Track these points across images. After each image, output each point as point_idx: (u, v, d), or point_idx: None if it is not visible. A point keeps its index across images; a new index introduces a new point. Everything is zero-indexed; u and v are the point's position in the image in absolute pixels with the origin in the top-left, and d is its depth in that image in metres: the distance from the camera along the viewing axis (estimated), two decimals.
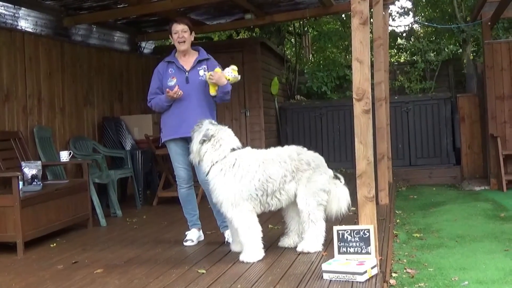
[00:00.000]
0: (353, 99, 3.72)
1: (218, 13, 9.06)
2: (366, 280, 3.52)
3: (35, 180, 5.56)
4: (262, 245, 4.28)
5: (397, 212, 7.35)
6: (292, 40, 13.89)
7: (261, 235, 4.28)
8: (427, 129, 10.57)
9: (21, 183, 5.24)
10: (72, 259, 4.70)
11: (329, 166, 4.64)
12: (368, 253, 3.70)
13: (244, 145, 4.54)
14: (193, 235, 5.08)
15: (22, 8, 6.95)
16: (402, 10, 13.73)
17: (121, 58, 9.09)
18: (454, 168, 10.29)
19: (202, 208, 5.41)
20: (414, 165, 10.56)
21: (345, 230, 3.80)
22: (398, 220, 6.91)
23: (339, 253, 3.81)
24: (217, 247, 4.84)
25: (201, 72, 4.90)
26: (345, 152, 10.67)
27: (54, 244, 5.40)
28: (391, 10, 12.41)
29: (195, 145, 4.39)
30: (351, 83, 3.94)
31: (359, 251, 3.73)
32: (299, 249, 4.41)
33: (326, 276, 3.63)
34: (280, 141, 10.89)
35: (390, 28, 10.65)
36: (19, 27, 6.85)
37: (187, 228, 5.16)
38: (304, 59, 13.52)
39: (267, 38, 11.71)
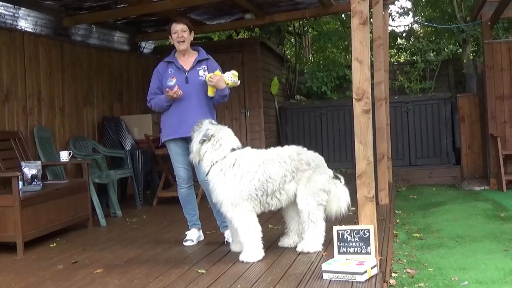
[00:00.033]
0: (353, 99, 3.72)
1: (218, 13, 9.06)
2: (366, 280, 3.52)
3: (35, 180, 5.56)
4: (262, 245, 4.28)
5: (397, 212, 7.35)
6: (292, 40, 13.89)
7: (261, 235, 4.28)
8: (427, 129, 10.57)
9: (21, 183, 5.24)
10: (72, 259, 4.70)
11: (329, 166, 4.64)
12: (368, 253, 3.70)
13: (244, 145, 4.54)
14: (193, 235, 5.08)
15: (22, 8, 6.95)
16: (402, 10, 13.74)
17: (121, 58, 9.09)
18: (454, 168, 10.29)
19: (202, 208, 5.41)
20: (414, 165, 10.56)
21: (345, 230, 3.80)
22: (398, 220, 6.91)
23: (339, 253, 3.81)
24: (217, 247, 4.84)
25: (201, 72, 4.90)
26: (345, 152, 10.67)
27: (54, 244, 5.40)
28: (391, 10, 12.43)
29: (195, 145, 4.39)
30: (351, 83, 3.94)
31: (359, 251, 3.73)
32: (299, 249, 4.41)
33: (326, 276, 3.63)
34: (280, 141, 10.89)
35: (390, 28, 10.65)
36: (19, 27, 6.85)
37: (187, 228, 5.16)
38: (304, 59, 13.52)
39: (267, 38, 11.71)
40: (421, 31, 14.03)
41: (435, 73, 11.59)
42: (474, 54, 12.08)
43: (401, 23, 24.97)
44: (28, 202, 5.15)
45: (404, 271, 4.65)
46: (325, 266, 3.68)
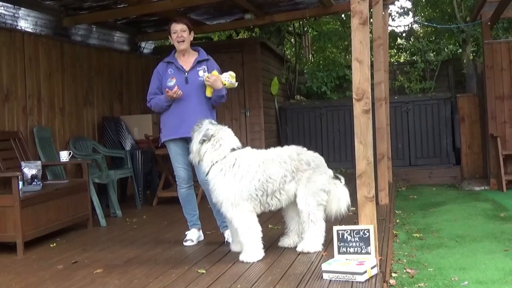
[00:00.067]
0: (353, 99, 3.72)
1: (218, 13, 9.06)
2: (366, 280, 3.52)
3: (35, 180, 5.56)
4: (262, 245, 4.28)
5: (397, 212, 7.35)
6: (292, 40, 13.89)
7: (261, 235, 4.28)
8: (427, 129, 10.57)
9: (21, 183, 5.24)
10: (72, 259, 4.70)
11: (329, 166, 4.64)
12: (368, 253, 3.70)
13: (244, 145, 4.54)
14: (193, 235, 5.08)
15: (22, 8, 6.95)
16: (402, 10, 13.74)
17: (121, 58, 9.09)
18: (454, 168, 10.30)
19: (202, 208, 5.41)
20: (414, 165, 10.56)
21: (345, 230, 3.80)
22: (398, 220, 6.91)
23: (339, 253, 3.81)
24: (217, 247, 4.84)
25: (201, 73, 4.90)
26: (345, 152, 10.67)
27: (54, 244, 5.40)
28: (390, 10, 12.43)
29: (195, 145, 4.40)
30: (351, 83, 3.94)
31: (359, 251, 3.73)
32: (299, 249, 4.41)
33: (326, 276, 3.63)
34: (280, 141, 10.90)
35: (390, 28, 10.66)
36: (18, 27, 6.85)
37: (187, 228, 5.16)
38: (304, 59, 13.52)
39: (267, 38, 11.71)
40: (421, 31, 14.03)
41: (435, 73, 11.59)
42: (474, 54, 12.08)
43: (401, 23, 24.98)
44: (28, 202, 5.15)
45: (404, 271, 4.65)
46: (325, 266, 3.68)
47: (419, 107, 10.63)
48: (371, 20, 6.72)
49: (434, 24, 12.03)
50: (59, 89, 7.34)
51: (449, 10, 12.69)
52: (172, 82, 4.87)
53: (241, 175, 4.23)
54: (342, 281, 3.53)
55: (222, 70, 4.97)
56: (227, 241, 4.86)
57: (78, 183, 6.20)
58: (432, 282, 4.31)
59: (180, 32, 4.91)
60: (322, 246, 4.40)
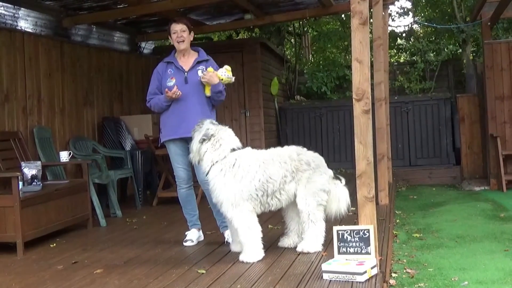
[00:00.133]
0: (353, 100, 3.72)
1: (218, 13, 9.06)
2: (366, 280, 3.52)
3: (35, 180, 5.56)
4: (262, 245, 4.28)
5: (397, 212, 7.35)
6: (292, 40, 13.89)
7: (261, 235, 4.28)
8: (427, 129, 10.57)
9: (21, 183, 5.24)
10: (72, 259, 4.70)
11: (329, 167, 4.64)
12: (368, 253, 3.70)
13: (244, 145, 4.54)
14: (193, 235, 5.08)
15: (22, 8, 6.95)
16: (402, 10, 13.74)
17: (121, 58, 9.09)
18: (454, 168, 10.30)
19: (202, 209, 5.41)
20: (414, 165, 10.56)
21: (345, 230, 3.80)
22: (398, 220, 6.91)
23: (339, 253, 3.81)
24: (217, 247, 4.84)
25: (200, 73, 4.90)
26: (345, 152, 10.67)
27: (54, 244, 5.40)
28: (390, 10, 12.43)
29: (195, 145, 4.40)
30: (351, 83, 3.94)
31: (359, 251, 3.73)
32: (299, 249, 4.41)
33: (326, 276, 3.63)
34: (280, 142, 10.90)
35: (389, 28, 10.66)
36: (18, 27, 6.85)
37: (187, 228, 5.16)
38: (304, 59, 13.52)
39: (267, 38, 11.72)
40: (421, 31, 14.04)
41: (435, 74, 11.60)
42: (474, 54, 12.08)
43: (401, 23, 25.00)
44: (28, 202, 5.15)
45: (404, 271, 4.65)
46: (325, 266, 3.68)
47: (419, 107, 10.63)
48: (371, 20, 6.72)
49: (434, 24, 12.03)
50: (59, 89, 7.34)
51: (449, 10, 12.69)
52: (171, 82, 4.87)
53: (241, 175, 4.22)
54: (342, 281, 3.53)
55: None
56: (227, 241, 4.86)
57: (78, 183, 6.20)
58: (432, 282, 4.31)
59: (180, 32, 4.91)
60: (322, 246, 4.40)
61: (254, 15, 9.01)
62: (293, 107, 11.26)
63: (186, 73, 4.91)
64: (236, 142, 4.42)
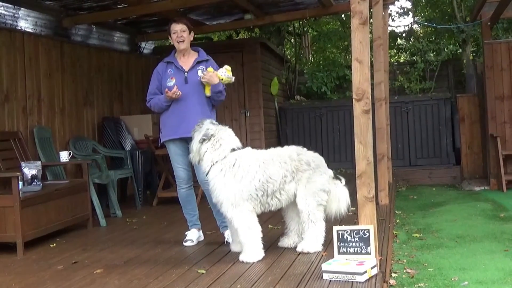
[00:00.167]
0: (353, 99, 3.72)
1: (218, 13, 9.06)
2: (366, 280, 3.52)
3: (35, 180, 5.56)
4: (262, 245, 4.28)
5: (397, 212, 7.35)
6: (292, 40, 13.90)
7: (261, 235, 4.28)
8: (427, 129, 10.57)
9: (21, 183, 5.24)
10: (72, 259, 4.70)
11: (329, 167, 4.64)
12: (368, 253, 3.70)
13: (244, 145, 4.54)
14: (193, 235, 5.08)
15: (22, 8, 6.95)
16: (402, 10, 13.74)
17: (121, 58, 9.09)
18: (454, 168, 10.30)
19: (201, 209, 5.41)
20: (414, 165, 10.56)
21: (345, 230, 3.80)
22: (398, 220, 6.91)
23: (339, 253, 3.81)
24: (217, 247, 4.84)
25: (199, 73, 4.90)
26: (345, 152, 10.67)
27: (54, 244, 5.40)
28: (390, 10, 12.43)
29: (195, 144, 4.40)
30: (351, 83, 3.95)
31: (359, 251, 3.73)
32: (299, 249, 4.41)
33: (326, 276, 3.63)
34: (280, 142, 10.90)
35: (389, 28, 10.66)
36: (18, 27, 6.85)
37: (187, 228, 5.16)
38: (304, 59, 13.52)
39: (267, 39, 11.72)
40: (421, 31, 14.04)
41: (435, 74, 11.60)
42: (474, 54, 12.09)
43: (401, 23, 25.01)
44: (28, 202, 5.15)
45: (404, 271, 4.65)
46: (325, 266, 3.68)
47: (419, 107, 10.64)
48: (371, 20, 6.72)
49: (434, 24, 12.04)
50: (59, 89, 7.34)
51: (449, 10, 12.69)
52: (171, 82, 4.87)
53: (241, 175, 4.22)
54: (342, 281, 3.53)
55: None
56: (227, 241, 4.86)
57: (78, 183, 6.20)
58: (432, 282, 4.31)
59: (180, 32, 4.91)
60: (322, 246, 4.40)
61: (254, 15, 9.01)
62: (293, 107, 11.27)
63: (186, 73, 4.91)
64: (236, 142, 4.42)
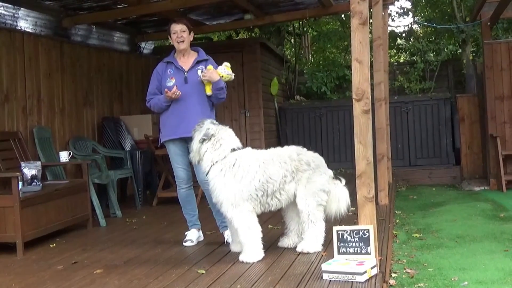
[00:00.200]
0: (353, 100, 3.72)
1: (217, 13, 9.06)
2: (365, 280, 3.52)
3: (35, 180, 5.56)
4: (261, 246, 4.28)
5: (396, 212, 7.35)
6: (292, 40, 13.89)
7: (261, 235, 4.28)
8: (426, 129, 10.58)
9: (20, 183, 5.24)
10: (72, 260, 4.70)
11: (329, 167, 4.64)
12: (367, 253, 3.70)
13: (244, 145, 4.54)
14: (193, 235, 5.08)
15: (22, 8, 6.95)
16: (402, 10, 13.74)
17: (121, 59, 9.09)
18: (454, 168, 10.30)
19: (201, 209, 5.41)
20: (413, 165, 10.56)
21: (344, 231, 3.80)
22: (397, 220, 6.92)
23: (339, 253, 3.81)
24: (216, 247, 4.84)
25: (199, 72, 4.90)
26: (345, 152, 10.67)
27: (54, 245, 5.40)
28: (390, 10, 12.42)
29: (195, 144, 4.40)
30: (350, 84, 3.95)
31: (358, 251, 3.73)
32: (298, 249, 4.41)
33: (325, 276, 3.63)
34: (280, 142, 10.90)
35: (389, 28, 10.66)
36: (18, 27, 6.85)
37: (187, 228, 5.16)
38: (304, 60, 13.52)
39: (267, 39, 11.72)
40: (421, 31, 14.04)
41: (435, 74, 11.60)
42: (473, 54, 12.09)
43: (400, 24, 25.03)
44: (28, 202, 5.15)
45: (404, 271, 4.65)
46: (325, 266, 3.68)
47: (419, 107, 10.64)
48: (371, 20, 6.72)
49: (434, 25, 12.04)
50: (59, 90, 7.34)
51: (448, 10, 12.70)
52: (171, 82, 4.87)
53: (241, 176, 4.22)
54: (342, 281, 3.53)
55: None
56: (227, 241, 4.86)
57: (78, 183, 6.20)
58: (432, 282, 4.31)
59: (180, 33, 4.91)
60: (321, 246, 4.40)
61: (254, 15, 9.01)
62: (293, 107, 11.27)
63: (186, 73, 4.91)
64: (236, 142, 4.42)
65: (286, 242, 4.62)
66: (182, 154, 4.93)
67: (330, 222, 4.54)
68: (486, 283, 4.20)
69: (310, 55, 14.20)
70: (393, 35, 12.76)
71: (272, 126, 10.94)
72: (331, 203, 4.54)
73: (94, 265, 4.45)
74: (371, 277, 3.57)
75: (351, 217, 5.11)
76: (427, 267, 4.76)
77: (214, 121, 4.52)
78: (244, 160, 4.29)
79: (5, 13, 6.68)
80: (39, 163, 5.80)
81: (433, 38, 12.32)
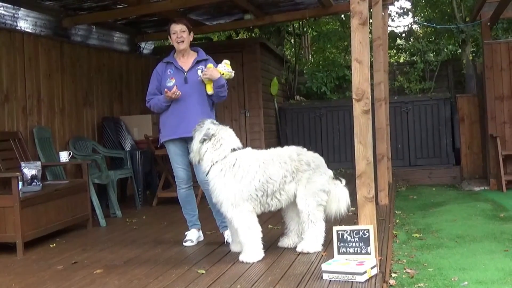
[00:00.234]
0: (353, 100, 3.72)
1: (217, 13, 9.06)
2: (365, 281, 3.52)
3: (35, 180, 5.56)
4: (261, 246, 4.28)
5: (396, 212, 7.35)
6: (292, 40, 13.90)
7: (261, 235, 4.28)
8: (426, 129, 10.58)
9: (20, 183, 5.24)
10: (72, 260, 4.70)
11: (329, 167, 4.64)
12: (367, 253, 3.70)
13: (244, 145, 4.54)
14: (193, 236, 5.08)
15: (22, 8, 6.95)
16: (402, 11, 13.75)
17: (121, 59, 9.09)
18: (454, 168, 10.31)
19: (201, 209, 5.41)
20: (413, 165, 10.56)
21: (344, 231, 3.80)
22: (397, 220, 6.92)
23: (339, 253, 3.81)
24: (216, 247, 4.84)
25: (199, 72, 4.90)
26: (345, 152, 10.67)
27: (54, 245, 5.40)
28: (390, 11, 12.43)
29: (195, 144, 4.40)
30: (350, 84, 3.95)
31: (358, 251, 3.73)
32: (298, 249, 4.41)
33: (325, 276, 3.63)
34: (280, 142, 10.90)
35: (389, 29, 10.66)
36: (18, 28, 6.85)
37: (187, 228, 5.16)
38: (304, 60, 13.52)
39: (267, 39, 11.72)
40: (421, 31, 14.04)
41: (435, 74, 11.60)
42: (473, 54, 12.10)
43: (400, 24, 25.07)
44: (28, 202, 5.15)
45: (404, 271, 4.65)
46: (324, 266, 3.68)
47: (418, 107, 10.64)
48: (371, 20, 6.72)
49: (434, 25, 12.04)
50: (59, 90, 7.34)
51: (448, 10, 12.70)
52: (171, 83, 4.87)
53: (241, 176, 4.22)
54: (342, 281, 3.53)
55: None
56: (226, 241, 4.86)
57: (78, 183, 6.20)
58: (432, 282, 4.31)
59: (179, 33, 4.91)
60: (321, 246, 4.40)
61: (254, 15, 9.01)
62: (293, 107, 11.27)
63: (185, 73, 4.91)
64: (236, 142, 4.42)
65: (286, 242, 4.62)
66: (182, 154, 4.93)
67: (330, 222, 4.54)
68: (486, 283, 4.20)
69: (310, 55, 14.21)
70: (393, 35, 12.77)
71: (272, 126, 10.95)
72: (331, 203, 4.54)
73: (94, 265, 4.45)
74: (371, 277, 3.58)
75: (351, 217, 5.11)
76: (427, 267, 4.76)
77: (215, 121, 4.52)
78: (244, 160, 4.29)
79: (5, 13, 6.68)
80: (39, 163, 5.80)
81: (433, 38, 12.32)
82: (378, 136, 6.56)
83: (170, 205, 7.18)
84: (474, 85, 10.60)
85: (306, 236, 4.41)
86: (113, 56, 8.87)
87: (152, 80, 5.04)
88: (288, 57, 13.27)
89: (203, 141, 4.34)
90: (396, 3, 13.17)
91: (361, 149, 3.70)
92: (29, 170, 5.56)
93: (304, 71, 12.41)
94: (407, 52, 12.88)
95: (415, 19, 13.87)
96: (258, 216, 4.34)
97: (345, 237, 3.78)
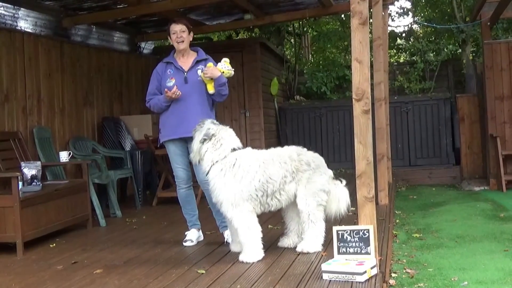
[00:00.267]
0: (353, 100, 3.72)
1: (217, 13, 9.06)
2: (365, 280, 3.52)
3: (35, 180, 5.56)
4: (261, 245, 4.28)
5: (396, 212, 7.35)
6: (292, 40, 13.90)
7: (260, 235, 4.28)
8: (426, 129, 10.58)
9: (20, 183, 5.24)
10: (72, 260, 4.70)
11: (329, 167, 4.64)
12: (367, 253, 3.70)
13: (244, 145, 4.54)
14: (193, 235, 5.08)
15: (22, 8, 6.95)
16: (402, 10, 13.74)
17: (121, 59, 9.09)
18: (454, 168, 10.30)
19: (201, 209, 5.41)
20: (413, 165, 10.56)
21: (344, 230, 3.80)
22: (397, 220, 6.92)
23: (339, 253, 3.81)
24: (216, 247, 4.84)
25: (199, 72, 4.90)
26: (345, 152, 10.67)
27: (54, 245, 5.40)
28: (390, 10, 12.42)
29: (195, 144, 4.40)
30: (350, 84, 3.95)
31: (358, 251, 3.73)
32: (298, 249, 4.41)
33: (325, 276, 3.63)
34: (280, 142, 10.90)
35: (389, 28, 10.66)
36: (18, 28, 6.85)
37: (187, 228, 5.16)
38: (304, 60, 13.52)
39: (267, 39, 11.72)
40: (421, 31, 14.04)
41: (435, 74, 11.60)
42: (473, 54, 12.09)
43: (400, 24, 25.02)
44: (27, 202, 5.15)
45: (404, 271, 4.65)
46: (324, 266, 3.68)
47: (418, 107, 10.64)
48: (371, 20, 6.72)
49: (434, 25, 12.04)
50: (59, 90, 7.34)
51: (448, 10, 12.70)
52: (171, 83, 4.87)
53: (241, 175, 4.22)
54: (342, 281, 3.53)
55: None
56: (226, 241, 4.86)
57: (78, 183, 6.20)
58: (432, 282, 4.31)
59: (179, 33, 4.91)
60: (321, 246, 4.40)
61: (254, 15, 9.01)
62: (293, 107, 11.27)
63: (185, 73, 4.91)
64: (236, 142, 4.42)
65: (286, 242, 4.62)
66: (182, 154, 4.93)
67: (330, 222, 4.54)
68: (486, 283, 4.20)
69: (310, 55, 14.20)
70: (393, 35, 12.76)
71: (272, 126, 10.94)
72: (331, 203, 4.54)
73: (94, 265, 4.45)
74: (371, 277, 3.58)
75: (351, 217, 5.11)
76: (427, 267, 4.76)
77: (215, 121, 4.52)
78: (244, 160, 4.29)
79: (5, 13, 6.68)
80: (39, 163, 5.80)
81: (433, 38, 12.32)
82: (378, 136, 6.56)
83: (170, 205, 7.18)
84: (474, 85, 10.60)
85: (306, 236, 4.41)
86: (113, 56, 8.88)
87: (152, 80, 5.04)
88: (288, 57, 13.26)
89: (203, 141, 4.34)
90: (396, 3, 13.18)
91: (361, 149, 3.70)
92: (29, 170, 5.56)
93: (304, 71, 12.41)
94: (407, 52, 12.88)
95: (415, 19, 13.87)
96: (258, 216, 4.34)
97: (345, 237, 3.78)
